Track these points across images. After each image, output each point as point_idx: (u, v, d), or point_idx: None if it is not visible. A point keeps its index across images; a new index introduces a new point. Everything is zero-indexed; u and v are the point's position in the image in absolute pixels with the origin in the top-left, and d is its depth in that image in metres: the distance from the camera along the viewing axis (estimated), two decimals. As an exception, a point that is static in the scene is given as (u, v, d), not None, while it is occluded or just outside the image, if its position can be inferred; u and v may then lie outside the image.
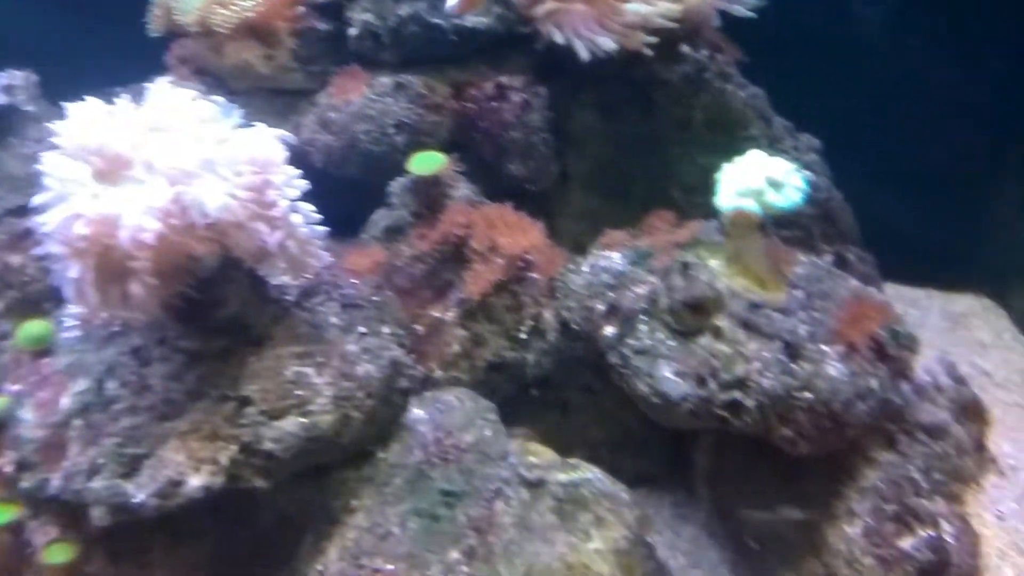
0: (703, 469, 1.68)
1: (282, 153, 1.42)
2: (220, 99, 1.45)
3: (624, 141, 2.14)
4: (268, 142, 1.41)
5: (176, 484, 1.34)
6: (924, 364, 1.81)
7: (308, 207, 1.43)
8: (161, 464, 1.35)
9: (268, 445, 1.38)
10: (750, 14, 1.95)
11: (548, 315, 1.77)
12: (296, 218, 1.40)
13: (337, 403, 1.43)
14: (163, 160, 1.30)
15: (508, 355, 1.74)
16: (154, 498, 1.32)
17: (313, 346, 1.49)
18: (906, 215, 2.54)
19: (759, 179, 1.44)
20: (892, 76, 2.54)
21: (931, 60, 2.50)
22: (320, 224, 1.48)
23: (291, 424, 1.39)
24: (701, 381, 1.42)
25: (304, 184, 1.42)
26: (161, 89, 1.42)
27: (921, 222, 2.57)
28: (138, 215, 1.24)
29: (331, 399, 1.43)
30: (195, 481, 1.34)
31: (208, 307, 1.47)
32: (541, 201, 2.14)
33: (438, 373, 1.73)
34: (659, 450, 1.84)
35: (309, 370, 1.45)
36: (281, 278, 1.56)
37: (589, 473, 1.52)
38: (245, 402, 1.41)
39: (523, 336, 1.75)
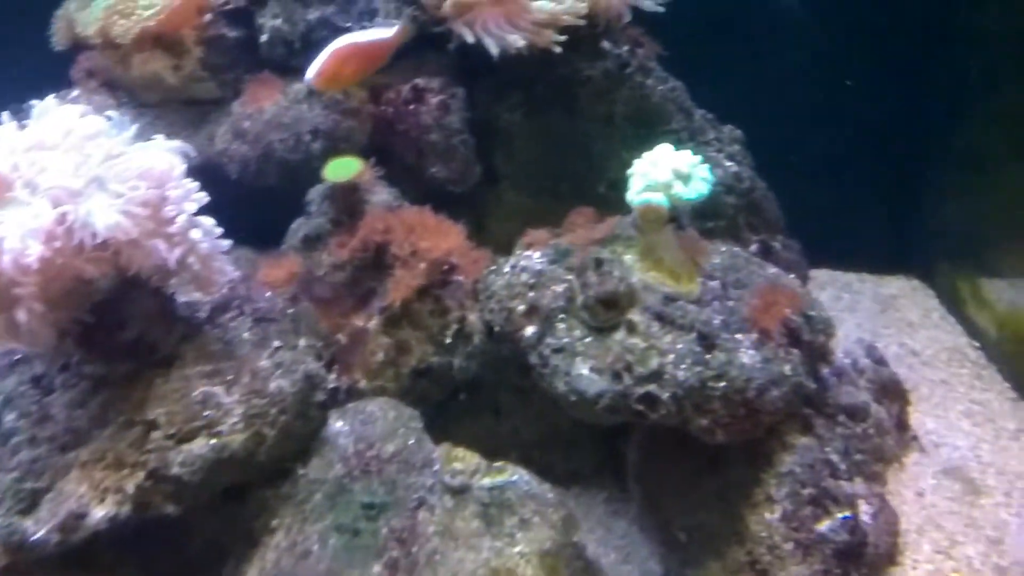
0: (633, 464, 1.68)
1: (179, 166, 1.38)
2: (113, 113, 1.40)
3: (551, 139, 2.14)
4: (163, 155, 1.37)
5: (79, 517, 1.29)
6: (845, 347, 1.85)
7: (209, 221, 1.39)
8: (62, 497, 1.30)
9: (176, 470, 1.33)
10: (659, 8, 1.96)
11: (473, 318, 1.75)
12: (196, 233, 1.36)
13: (248, 421, 1.39)
14: (46, 179, 1.25)
15: (434, 361, 1.71)
16: (55, 533, 1.27)
17: (223, 364, 1.45)
18: (838, 203, 2.60)
19: (666, 172, 1.45)
20: (819, 65, 2.59)
21: (858, 47, 2.55)
22: (225, 237, 1.43)
23: (200, 447, 1.35)
24: (617, 376, 1.42)
25: (203, 197, 1.38)
26: (46, 107, 1.36)
27: (853, 209, 2.63)
28: (19, 238, 1.19)
29: (242, 418, 1.39)
30: (99, 512, 1.29)
31: (111, 330, 1.42)
32: (472, 202, 2.14)
33: (363, 383, 1.70)
34: (591, 447, 1.84)
35: (218, 389, 1.41)
36: (192, 295, 1.52)
37: (515, 476, 1.51)
38: (151, 426, 1.36)
39: (448, 341, 1.73)
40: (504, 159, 2.15)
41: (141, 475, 1.32)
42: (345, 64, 1.60)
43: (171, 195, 1.34)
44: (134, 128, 1.42)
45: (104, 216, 1.24)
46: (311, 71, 1.60)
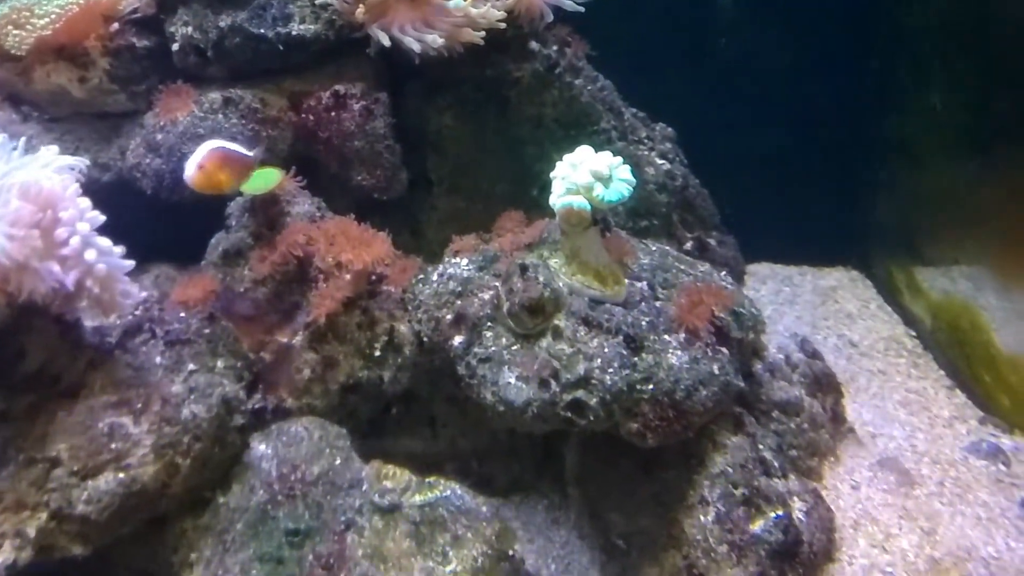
0: (571, 470, 1.65)
1: (72, 184, 1.30)
2: (-3, 132, 1.31)
3: (483, 142, 2.10)
4: (53, 174, 1.29)
5: (-28, 565, 1.20)
6: (778, 341, 1.85)
7: (105, 241, 1.31)
8: (-45, 543, 1.21)
9: (82, 508, 1.26)
10: (579, 8, 1.94)
11: (403, 328, 1.70)
12: (91, 254, 1.28)
13: (159, 452, 1.33)
14: (-81, 205, 1.16)
15: (363, 375, 1.65)
16: (-55, 585, 1.18)
17: (132, 391, 1.37)
18: (777, 197, 2.62)
19: (586, 175, 1.42)
20: (753, 61, 2.60)
21: (791, 43, 2.57)
22: (143, 255, 1.37)
23: (106, 482, 1.28)
24: (544, 384, 1.39)
25: (98, 216, 1.30)
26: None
27: (791, 203, 2.65)
28: None
29: (152, 448, 1.32)
30: (-4, 558, 1.21)
31: (9, 361, 1.33)
32: (406, 208, 2.09)
33: (289, 402, 1.63)
34: (530, 454, 1.80)
35: (126, 419, 1.34)
36: (100, 320, 1.44)
37: (447, 491, 1.47)
38: (54, 463, 1.29)
39: (378, 353, 1.67)
40: (436, 164, 2.10)
41: (43, 516, 1.25)
42: (224, 166, 1.56)
43: (62, 216, 1.26)
44: (22, 143, 1.34)
45: (-17, 241, 1.15)
46: (191, 166, 1.54)
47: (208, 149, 1.55)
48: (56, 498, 1.26)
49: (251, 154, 1.64)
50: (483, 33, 1.79)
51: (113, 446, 1.31)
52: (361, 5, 1.74)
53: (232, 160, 1.58)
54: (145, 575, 1.44)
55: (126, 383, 1.39)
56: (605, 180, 1.41)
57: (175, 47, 1.87)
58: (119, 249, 1.34)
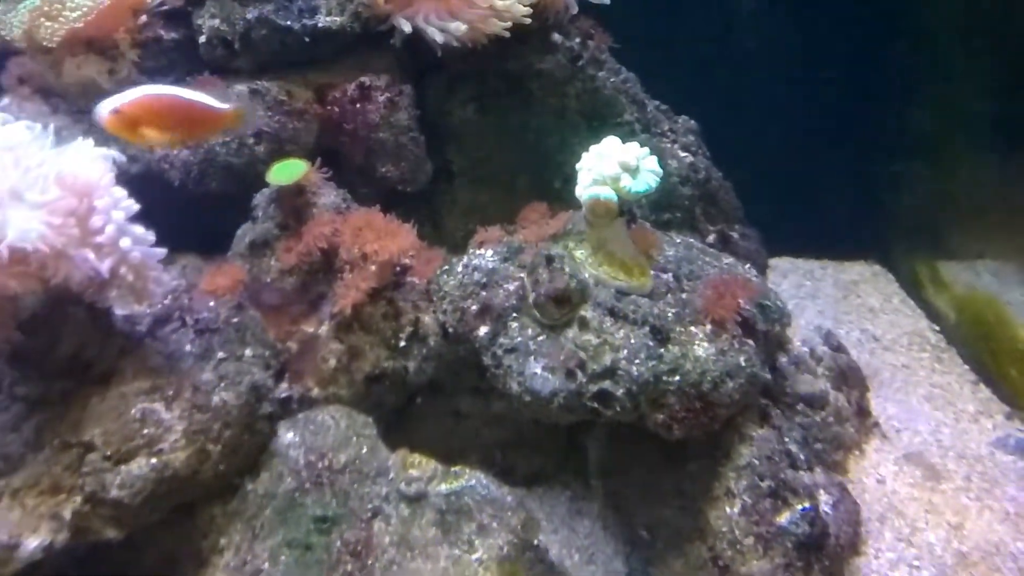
0: (595, 461, 1.66)
1: (107, 174, 1.32)
2: (32, 123, 1.33)
3: (505, 134, 2.10)
4: (89, 164, 1.31)
5: (11, 548, 1.23)
6: (802, 335, 1.84)
7: (140, 229, 1.32)
8: (-7, 526, 1.24)
9: (115, 492, 1.28)
10: (605, 1, 1.93)
11: (428, 319, 1.71)
12: (126, 242, 1.29)
13: (190, 438, 1.34)
14: (-40, 193, 1.18)
15: (388, 365, 1.66)
16: (-16, 565, 1.21)
17: (163, 379, 1.39)
18: (799, 191, 2.61)
19: (613, 166, 1.42)
20: (777, 56, 2.59)
21: (815, 38, 2.56)
22: (169, 245, 1.38)
23: (139, 467, 1.30)
24: (570, 374, 1.39)
25: (133, 205, 1.31)
26: (-40, 117, 1.29)
27: (813, 197, 2.64)
28: (-68, 255, 1.13)
29: (183, 434, 1.34)
30: (33, 542, 1.23)
31: (44, 348, 1.36)
32: (428, 200, 2.10)
33: (315, 391, 1.64)
34: (554, 446, 1.81)
35: (158, 405, 1.35)
36: (131, 307, 1.46)
37: (472, 480, 1.47)
38: (88, 448, 1.31)
39: (403, 344, 1.68)
40: (458, 156, 2.11)
41: (78, 499, 1.27)
42: (150, 115, 1.32)
43: (98, 204, 1.28)
44: (51, 131, 1.35)
45: (21, 228, 1.17)
46: (106, 106, 1.31)
47: (139, 93, 1.30)
48: (91, 482, 1.28)
49: (221, 105, 1.37)
50: (508, 24, 1.78)
51: (145, 432, 1.32)
52: (387, -4, 1.75)
53: (169, 109, 1.31)
54: (173, 561, 1.46)
55: (157, 370, 1.41)
56: (632, 171, 1.41)
57: (202, 39, 1.89)
58: (151, 237, 1.35)
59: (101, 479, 1.28)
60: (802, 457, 1.46)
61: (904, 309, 2.45)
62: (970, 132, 2.32)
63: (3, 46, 1.95)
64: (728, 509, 1.38)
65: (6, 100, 1.95)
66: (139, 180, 1.96)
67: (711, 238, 2.07)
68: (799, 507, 1.36)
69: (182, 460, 1.33)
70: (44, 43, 1.75)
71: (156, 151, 1.90)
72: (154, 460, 1.31)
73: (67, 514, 1.26)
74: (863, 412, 1.77)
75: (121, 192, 1.32)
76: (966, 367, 2.15)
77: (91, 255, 1.26)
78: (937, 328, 2.34)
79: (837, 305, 2.46)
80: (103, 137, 1.97)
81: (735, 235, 2.12)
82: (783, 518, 1.35)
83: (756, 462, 1.40)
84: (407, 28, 1.74)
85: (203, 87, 1.90)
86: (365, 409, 1.61)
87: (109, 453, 1.30)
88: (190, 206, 1.91)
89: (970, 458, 1.75)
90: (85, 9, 1.70)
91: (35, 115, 1.95)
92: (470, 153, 2.11)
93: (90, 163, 1.32)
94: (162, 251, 1.37)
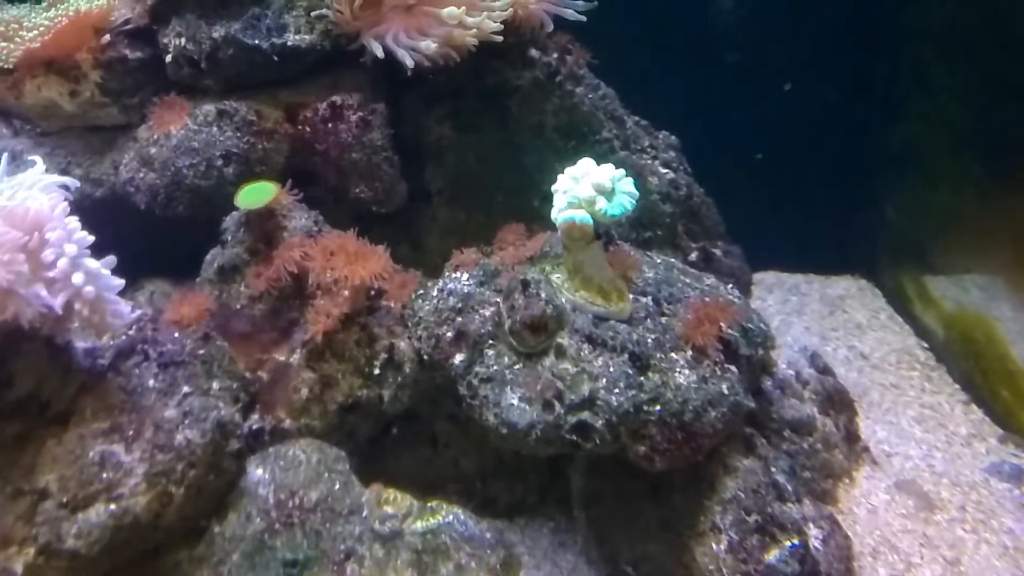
0: (577, 491, 1.60)
1: (60, 204, 1.26)
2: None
3: (483, 152, 2.06)
4: (40, 196, 1.25)
5: (-44, 604, 1.16)
6: (787, 356, 1.80)
7: (93, 263, 1.27)
8: (-62, 580, 1.17)
9: (71, 543, 1.22)
10: (581, 18, 1.90)
11: (403, 345, 1.65)
12: (78, 277, 1.23)
13: (152, 480, 1.28)
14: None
15: (362, 394, 1.61)
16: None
17: (124, 417, 1.33)
18: (783, 205, 2.59)
19: (588, 188, 1.37)
20: (759, 71, 2.57)
21: (796, 52, 2.54)
22: (136, 271, 1.33)
23: (97, 514, 1.24)
24: (547, 405, 1.34)
25: (86, 237, 1.25)
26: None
27: (797, 211, 2.62)
28: None
29: (144, 477, 1.28)
30: (-20, 597, 1.17)
31: (-4, 387, 1.29)
32: (406, 221, 2.05)
33: (287, 422, 1.59)
34: (535, 475, 1.76)
35: (117, 447, 1.30)
36: (93, 341, 1.40)
37: (450, 517, 1.43)
38: (43, 495, 1.25)
39: (377, 372, 1.62)
40: (436, 174, 2.06)
41: (31, 552, 1.21)
42: None
43: (50, 237, 1.22)
44: (4, 158, 1.30)
45: (-35, 266, 1.11)
46: None
47: None
48: (45, 532, 1.22)
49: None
50: (475, 35, 1.74)
51: (104, 476, 1.26)
52: (354, 14, 1.70)
53: None
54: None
55: (118, 408, 1.35)
56: (608, 193, 1.37)
57: (168, 59, 1.84)
58: (108, 269, 1.29)
59: (56, 529, 1.22)
60: (790, 488, 1.41)
61: (892, 325, 2.42)
62: (956, 147, 2.30)
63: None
64: (714, 545, 1.33)
65: (-36, 123, 1.89)
66: (104, 204, 1.92)
67: (693, 255, 2.03)
68: (788, 544, 1.31)
69: (143, 505, 1.27)
70: (2, 65, 1.69)
71: (122, 174, 1.85)
72: (113, 506, 1.25)
73: (19, 568, 1.19)
74: (852, 437, 1.72)
75: (75, 223, 1.26)
76: (956, 386, 2.11)
77: (43, 291, 1.21)
78: (926, 345, 2.30)
79: (823, 321, 2.43)
80: (64, 160, 1.93)
81: (718, 252, 2.08)
82: (772, 555, 1.30)
83: (742, 495, 1.36)
84: (379, 52, 1.69)
85: (169, 108, 1.85)
86: (339, 440, 1.56)
87: (65, 500, 1.24)
88: (157, 230, 1.85)
89: (964, 486, 1.70)
90: (42, 28, 1.65)
91: (-5, 139, 1.90)
92: (448, 172, 2.06)
93: (41, 194, 1.26)
94: (119, 282, 1.31)
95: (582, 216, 1.36)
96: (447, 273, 1.68)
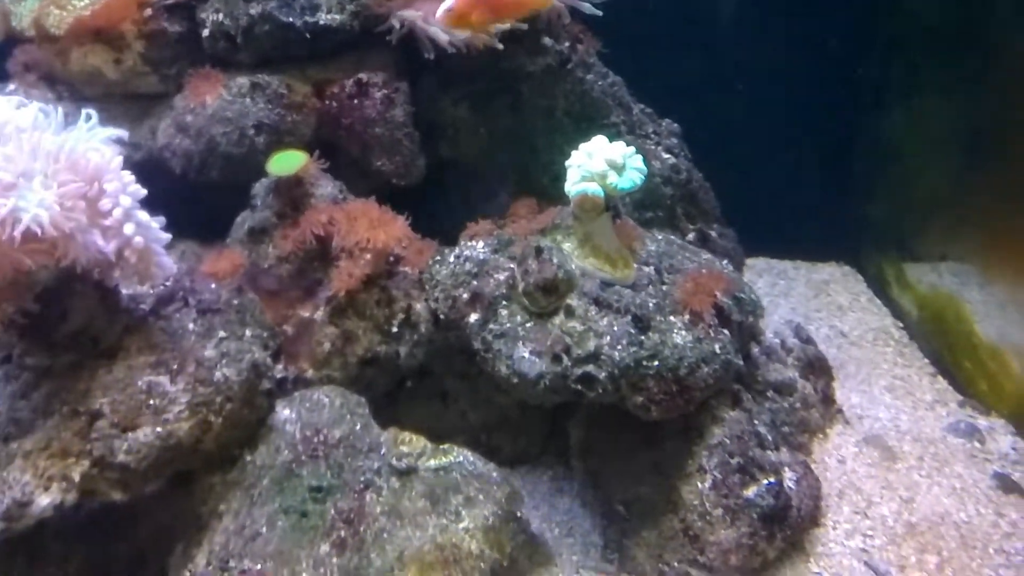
0: (576, 441, 1.74)
1: (116, 158, 1.38)
2: (44, 106, 1.39)
3: (495, 133, 2.18)
4: (99, 147, 1.37)
5: (23, 505, 1.29)
6: (774, 327, 1.95)
7: (145, 215, 1.39)
8: (5, 485, 1.30)
9: (122, 457, 1.34)
10: (597, 12, 2.02)
11: (419, 307, 1.78)
12: (130, 227, 1.35)
13: (194, 409, 1.41)
14: (-21, 172, 1.24)
15: (381, 349, 1.74)
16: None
17: (167, 354, 1.45)
18: (774, 194, 2.72)
19: (601, 163, 1.51)
20: (753, 63, 2.70)
21: (789, 45, 2.67)
22: (169, 230, 1.44)
23: (145, 434, 1.36)
24: (556, 358, 1.48)
25: (140, 190, 1.37)
26: (-27, 100, 1.35)
27: (787, 200, 2.76)
28: (-47, 230, 1.19)
29: (187, 406, 1.40)
30: (44, 500, 1.30)
31: (52, 321, 1.42)
32: (421, 193, 2.17)
33: (310, 372, 1.72)
34: (537, 429, 1.90)
35: (163, 379, 1.42)
36: (135, 287, 1.52)
37: (460, 457, 1.55)
38: (96, 416, 1.37)
39: (395, 330, 1.75)
40: (450, 152, 2.18)
41: (87, 463, 1.33)
42: (475, 8, 1.60)
43: (107, 188, 1.34)
44: (60, 114, 1.40)
45: (34, 209, 1.23)
46: (444, 6, 1.61)
47: None
48: (99, 447, 1.33)
49: None
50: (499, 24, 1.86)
51: (151, 402, 1.39)
52: (387, -2, 1.83)
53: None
54: (165, 531, 1.53)
55: (161, 346, 1.47)
56: (619, 168, 1.51)
57: (205, 33, 1.95)
58: (157, 223, 1.42)
59: (109, 444, 1.34)
60: (770, 438, 1.56)
61: (871, 307, 2.58)
62: (934, 138, 2.44)
63: (10, 35, 2.01)
64: (699, 484, 1.48)
65: (12, 86, 2.01)
66: (142, 167, 2.02)
67: (691, 236, 2.17)
68: (765, 482, 1.46)
69: (185, 430, 1.39)
70: (52, 31, 1.81)
71: (159, 139, 1.97)
72: (159, 429, 1.37)
73: (76, 476, 1.32)
74: (828, 400, 1.88)
75: (129, 176, 1.37)
76: (926, 360, 2.28)
77: (99, 237, 1.32)
78: (901, 325, 2.47)
79: (808, 303, 2.58)
80: (106, 124, 2.04)
81: (713, 234, 2.22)
82: (750, 491, 1.44)
83: (727, 441, 1.50)
84: (419, 26, 1.80)
85: (204, 80, 1.97)
86: (357, 391, 1.67)
87: (116, 421, 1.36)
88: (190, 193, 1.97)
89: (924, 441, 1.87)
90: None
91: (40, 102, 1.99)
92: (462, 150, 2.18)
93: (100, 147, 1.38)
94: (167, 236, 1.42)
95: (594, 189, 1.50)
96: (463, 241, 1.81)
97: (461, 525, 1.43)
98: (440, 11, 1.61)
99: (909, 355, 2.30)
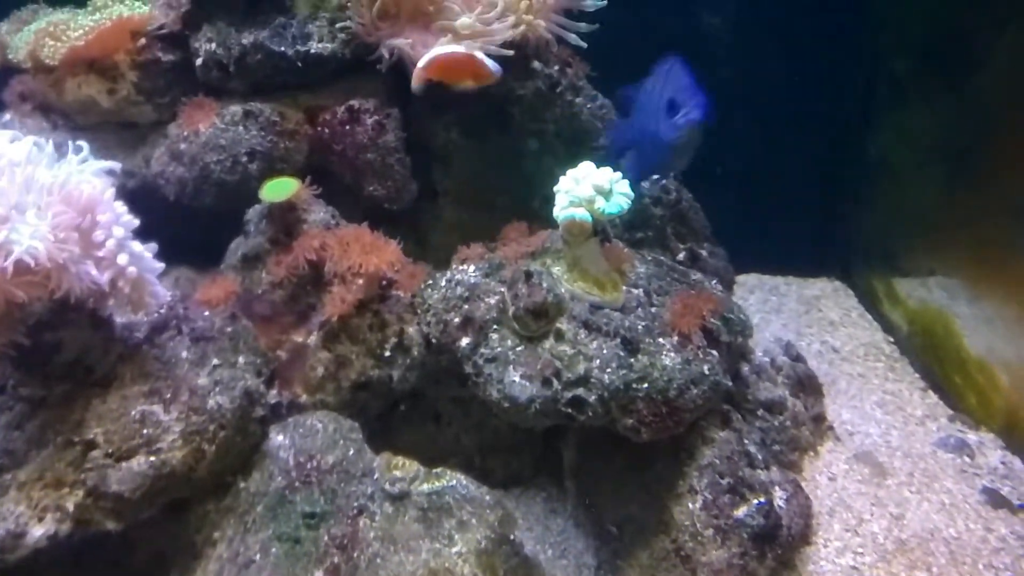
0: (569, 463, 1.75)
1: (109, 189, 1.40)
2: (37, 139, 1.41)
3: (487, 156, 2.21)
4: (91, 180, 1.39)
5: (18, 536, 1.30)
6: (764, 345, 1.97)
7: (138, 245, 1.40)
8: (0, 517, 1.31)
9: (116, 487, 1.35)
10: (582, 44, 2.05)
11: (412, 331, 1.80)
12: (123, 258, 1.37)
13: (187, 438, 1.42)
14: (-28, 206, 1.26)
15: (374, 373, 1.76)
16: (-8, 552, 1.27)
17: (161, 383, 1.47)
18: (765, 212, 2.75)
19: (588, 189, 1.53)
20: (743, 81, 2.73)
21: (778, 62, 2.71)
22: (163, 257, 1.46)
23: (139, 464, 1.37)
24: (546, 382, 1.49)
25: (133, 220, 1.40)
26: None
27: (778, 217, 2.79)
28: (-53, 265, 1.20)
29: (180, 435, 1.42)
30: (38, 531, 1.31)
31: (47, 352, 1.43)
32: (413, 218, 2.19)
33: (304, 398, 1.73)
34: (530, 451, 1.91)
35: (156, 407, 1.43)
36: (129, 316, 1.54)
37: (453, 481, 1.56)
38: (90, 446, 1.38)
39: (388, 354, 1.77)
40: (442, 176, 2.21)
41: (80, 493, 1.34)
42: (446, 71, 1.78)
43: (100, 219, 1.35)
44: (50, 146, 1.42)
45: (26, 242, 1.25)
46: (422, 62, 1.78)
47: (438, 52, 1.76)
48: (92, 477, 1.34)
49: (492, 66, 1.81)
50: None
51: (145, 432, 1.40)
52: (375, 26, 1.86)
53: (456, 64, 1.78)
54: (159, 558, 1.54)
55: (155, 374, 1.48)
56: (606, 194, 1.53)
57: (199, 62, 1.98)
58: (150, 252, 1.43)
59: (103, 474, 1.35)
60: (760, 457, 1.57)
61: (862, 322, 2.60)
62: (921, 155, 2.47)
63: (5, 64, 2.04)
64: (690, 504, 1.49)
65: (8, 116, 2.03)
66: (137, 195, 2.05)
67: (681, 255, 2.19)
68: (755, 501, 1.47)
69: (179, 458, 1.40)
70: (47, 62, 1.83)
71: (153, 167, 1.99)
72: (153, 458, 1.38)
73: (70, 506, 1.32)
74: (818, 417, 1.89)
75: (122, 207, 1.39)
76: (916, 375, 2.29)
77: (92, 268, 1.34)
78: (891, 340, 2.48)
79: (800, 319, 2.60)
80: (99, 154, 2.07)
81: (704, 252, 2.25)
82: (740, 511, 1.45)
83: (717, 461, 1.51)
84: (407, 53, 1.84)
85: (198, 108, 2.00)
86: (351, 415, 1.69)
87: (110, 451, 1.37)
88: (184, 220, 1.99)
89: (914, 456, 1.89)
90: (87, 30, 1.79)
91: (35, 131, 2.03)
92: (454, 174, 2.21)
93: (93, 179, 1.40)
94: (160, 266, 1.44)
95: (582, 214, 1.52)
96: (454, 265, 1.83)
97: (454, 549, 1.43)
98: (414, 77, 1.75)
99: (900, 370, 2.32)
